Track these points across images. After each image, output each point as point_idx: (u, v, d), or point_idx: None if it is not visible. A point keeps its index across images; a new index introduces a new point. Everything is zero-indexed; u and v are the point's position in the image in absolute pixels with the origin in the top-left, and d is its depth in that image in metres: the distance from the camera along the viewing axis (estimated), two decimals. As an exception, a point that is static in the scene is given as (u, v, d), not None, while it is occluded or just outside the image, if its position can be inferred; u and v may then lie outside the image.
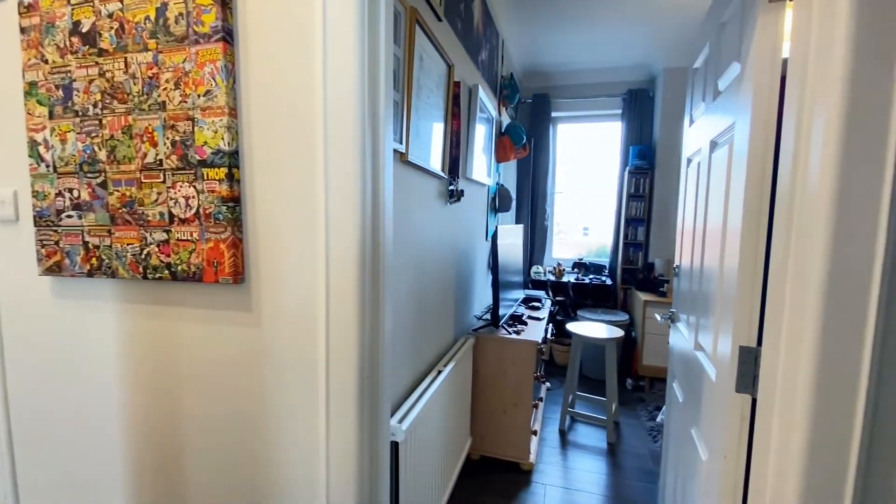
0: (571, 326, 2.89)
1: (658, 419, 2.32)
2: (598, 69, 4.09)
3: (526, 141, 3.34)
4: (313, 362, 0.93)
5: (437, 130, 1.82)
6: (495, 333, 2.35)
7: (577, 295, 4.12)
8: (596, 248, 4.53)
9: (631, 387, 3.54)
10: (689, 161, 1.67)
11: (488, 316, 2.74)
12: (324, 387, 0.92)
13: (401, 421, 1.36)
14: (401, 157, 1.44)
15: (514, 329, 2.43)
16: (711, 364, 1.17)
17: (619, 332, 2.80)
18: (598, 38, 3.40)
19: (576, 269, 4.21)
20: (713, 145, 1.29)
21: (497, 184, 3.35)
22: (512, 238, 2.81)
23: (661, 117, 3.81)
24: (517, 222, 4.34)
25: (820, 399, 0.73)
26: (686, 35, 3.29)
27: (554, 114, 4.31)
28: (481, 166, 2.69)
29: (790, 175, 0.80)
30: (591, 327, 2.89)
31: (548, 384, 3.47)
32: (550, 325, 3.05)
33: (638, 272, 3.89)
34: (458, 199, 2.09)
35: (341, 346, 0.90)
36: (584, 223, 4.54)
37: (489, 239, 3.09)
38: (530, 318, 2.76)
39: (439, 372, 1.81)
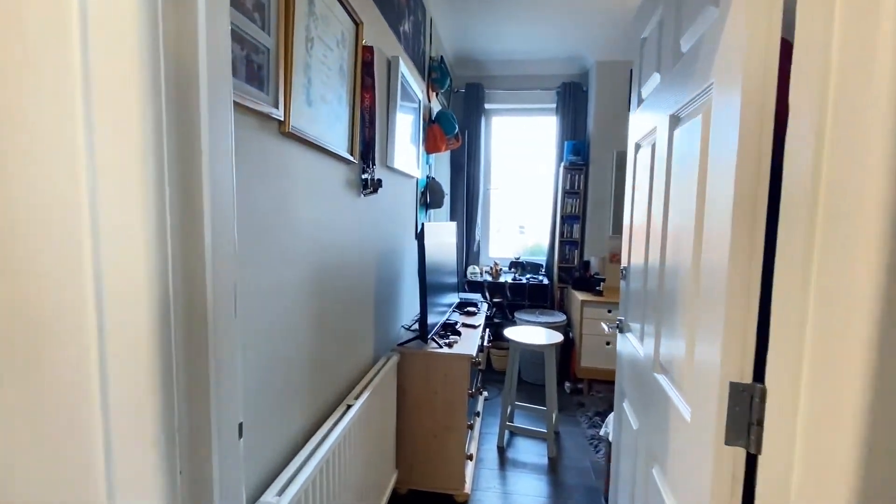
0: (509, 332, 2.65)
1: (602, 432, 2.14)
2: (533, 60, 3.92)
3: (458, 131, 3.06)
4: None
5: (342, 102, 1.45)
6: (424, 348, 2.02)
7: (514, 295, 3.93)
8: (533, 246, 4.39)
9: (569, 390, 3.40)
10: (637, 146, 1.45)
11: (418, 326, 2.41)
12: None
13: (282, 492, 0.98)
14: (279, 128, 1.06)
15: (446, 341, 2.12)
16: (681, 397, 0.93)
17: (558, 337, 2.60)
18: (532, 28, 3.20)
19: (513, 269, 4.03)
20: (675, 120, 1.06)
21: (428, 177, 3.03)
22: (444, 236, 2.51)
23: (594, 111, 3.72)
24: (451, 219, 4.06)
25: (872, 469, 0.48)
26: (617, 28, 3.20)
27: (488, 105, 4.08)
28: (408, 156, 2.35)
29: (813, 153, 0.55)
30: (529, 333, 2.67)
31: (485, 394, 3.23)
32: (487, 330, 2.80)
33: (574, 271, 3.78)
34: (375, 191, 1.73)
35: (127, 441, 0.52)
36: (521, 221, 4.37)
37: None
38: (465, 325, 2.47)
39: (349, 407, 1.44)
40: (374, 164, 1.71)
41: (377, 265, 1.93)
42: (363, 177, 1.66)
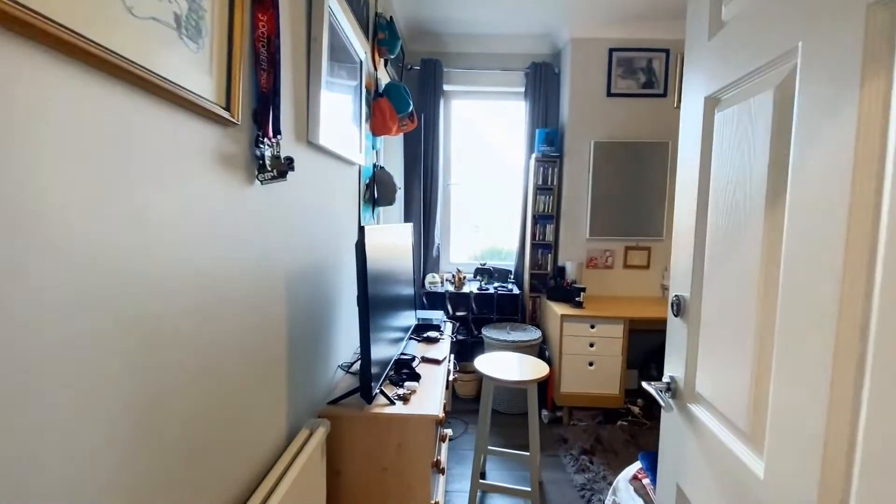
0: (480, 364, 2.08)
1: (609, 502, 1.63)
2: (498, 35, 3.39)
3: (413, 109, 2.45)
4: None
5: (212, 21, 0.80)
6: (368, 409, 1.40)
7: (480, 308, 3.38)
8: (501, 250, 3.86)
9: (547, 419, 2.90)
10: (715, 102, 0.92)
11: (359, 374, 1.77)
12: None
13: None
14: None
15: (400, 392, 1.51)
16: None
17: (542, 369, 2.07)
18: (501, -15, 2.66)
19: (478, 277, 3.47)
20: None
21: (375, 166, 2.40)
22: (397, 241, 1.90)
23: (569, 96, 3.25)
24: (406, 220, 3.44)
25: None
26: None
27: (447, 86, 3.50)
28: (346, 134, 1.71)
29: None
30: (503, 362, 2.12)
31: (450, 432, 2.64)
32: (452, 357, 2.22)
33: (548, 278, 3.29)
34: (282, 175, 1.08)
35: None
36: (485, 221, 3.83)
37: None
38: (425, 361, 1.87)
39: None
40: (278, 133, 1.07)
41: (293, 292, 1.29)
42: (257, 151, 1.01)
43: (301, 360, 1.35)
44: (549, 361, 3.02)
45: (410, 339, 2.19)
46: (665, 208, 3.24)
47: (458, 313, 3.33)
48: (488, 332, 3.09)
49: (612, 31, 3.16)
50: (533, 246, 3.34)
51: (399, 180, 3.29)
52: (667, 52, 3.17)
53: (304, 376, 1.39)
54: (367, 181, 2.23)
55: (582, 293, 2.94)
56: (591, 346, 2.81)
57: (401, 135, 3.23)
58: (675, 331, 1.01)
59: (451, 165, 3.67)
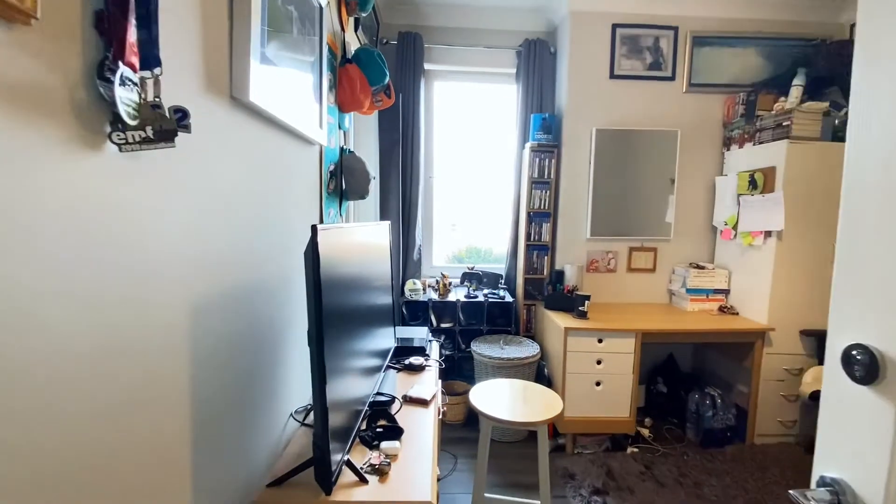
0: (475, 397, 1.66)
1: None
2: (487, 8, 2.97)
3: (390, 81, 2.00)
4: None
5: None
6: (327, 499, 0.96)
7: (468, 318, 2.96)
8: (491, 252, 3.45)
9: (549, 448, 2.50)
10: None
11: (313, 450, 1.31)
12: None
13: None
14: None
15: (374, 462, 1.07)
16: None
17: (555, 405, 1.67)
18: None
19: (466, 282, 3.05)
20: None
21: (344, 150, 1.94)
22: (368, 241, 1.45)
23: (567, 79, 2.86)
24: (383, 217, 2.98)
25: None
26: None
27: (428, 65, 3.06)
28: (299, 103, 1.26)
29: None
30: (505, 395, 1.71)
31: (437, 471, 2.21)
32: (440, 388, 1.79)
33: (546, 284, 2.90)
34: (167, 139, 0.62)
35: None
36: (473, 218, 3.42)
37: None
38: (409, 401, 1.44)
39: None
40: (155, 63, 0.61)
41: (206, 327, 0.83)
42: (102, 89, 0.55)
43: (222, 425, 0.89)
44: (549, 381, 2.63)
45: (389, 367, 1.74)
46: (674, 204, 2.90)
47: (443, 325, 2.90)
48: (479, 348, 2.67)
49: (615, 5, 2.79)
50: (527, 247, 2.94)
51: (374, 170, 2.82)
52: (675, 29, 2.83)
53: (230, 446, 0.93)
54: (332, 167, 1.77)
55: (586, 301, 2.56)
56: (599, 363, 2.44)
57: (375, 115, 2.78)
58: (852, 405, 0.61)
59: (433, 155, 3.23)
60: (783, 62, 2.77)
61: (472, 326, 2.92)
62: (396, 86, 2.93)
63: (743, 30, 2.81)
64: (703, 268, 2.83)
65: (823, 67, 2.46)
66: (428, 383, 1.59)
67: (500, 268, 3.23)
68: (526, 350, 2.65)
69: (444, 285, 2.92)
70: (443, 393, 1.70)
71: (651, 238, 2.96)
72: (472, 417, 2.73)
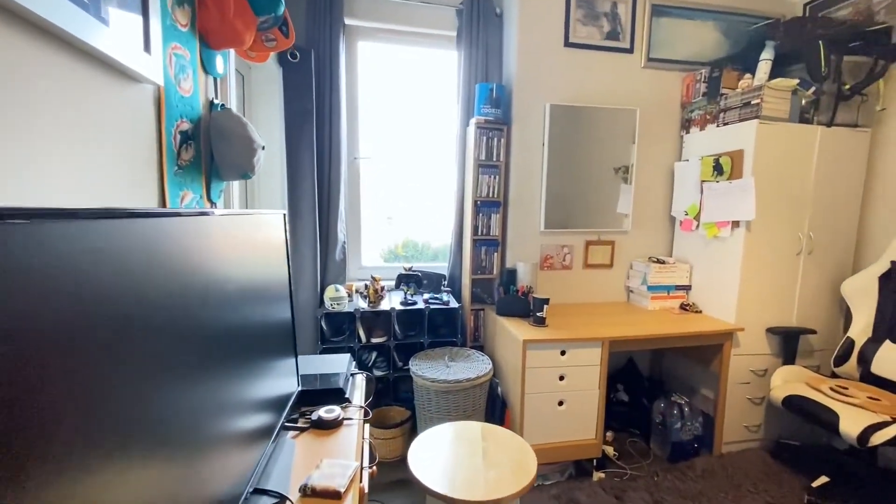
0: (417, 463, 1.17)
1: None
2: (421, -49, 2.45)
3: (287, 14, 1.41)
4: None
5: None
6: None
7: (405, 329, 2.44)
8: (428, 247, 2.96)
9: (504, 484, 2.08)
10: None
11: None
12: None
13: None
14: None
15: None
16: None
17: (529, 469, 1.22)
18: None
19: (403, 286, 2.52)
20: None
21: (215, 105, 1.32)
22: (249, 235, 0.88)
23: (516, 46, 2.43)
24: (294, 206, 2.35)
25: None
26: None
27: (350, 20, 2.47)
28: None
29: None
30: (459, 453, 1.23)
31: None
32: (367, 442, 1.27)
33: (497, 285, 2.47)
34: None
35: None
36: (409, 208, 2.89)
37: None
38: (311, 495, 0.89)
39: None
40: None
41: None
42: None
43: None
44: (503, 403, 2.20)
45: (287, 427, 1.17)
46: (632, 192, 2.61)
47: (375, 339, 2.36)
48: (419, 367, 2.17)
49: (570, -40, 2.40)
50: (474, 242, 2.48)
51: (275, 142, 2.20)
52: (633, -5, 2.51)
53: None
54: (188, 127, 1.15)
55: (545, 306, 2.16)
56: (562, 378, 2.06)
57: (279, 74, 2.15)
58: None
59: (358, 132, 2.65)
60: (740, 40, 2.56)
61: (410, 339, 2.40)
62: (308, 40, 2.31)
63: (703, 0, 2.56)
64: (663, 262, 2.56)
65: (783, 44, 2.26)
66: (345, 453, 1.06)
67: (443, 267, 2.75)
68: (476, 367, 2.20)
69: (376, 291, 2.37)
70: (372, 464, 1.18)
71: (608, 230, 2.65)
72: (413, 452, 2.23)
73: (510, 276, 2.43)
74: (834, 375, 2.21)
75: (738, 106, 2.23)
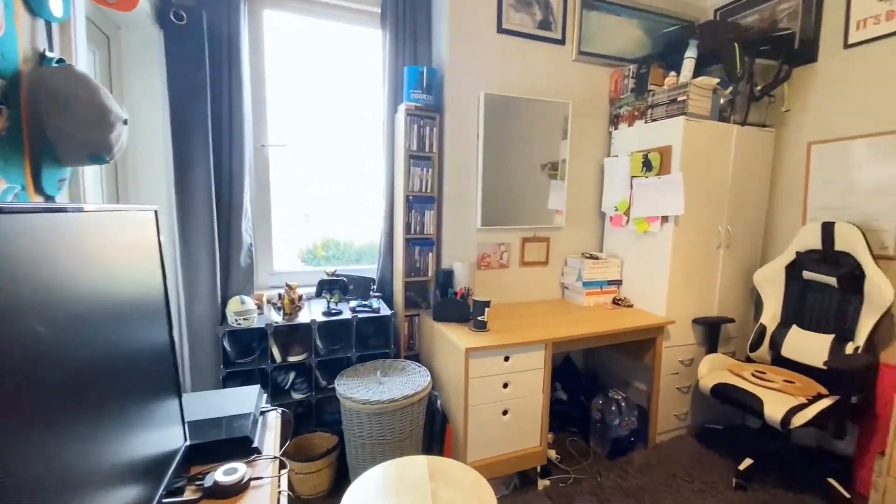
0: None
1: None
2: None
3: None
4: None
5: None
6: None
7: (330, 343, 2.13)
8: (351, 247, 2.65)
9: None
10: None
11: None
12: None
13: None
14: None
15: None
16: None
17: None
18: None
19: (325, 294, 2.20)
20: None
21: (46, 58, 0.93)
22: (128, 238, 0.56)
23: (448, 27, 2.23)
24: (181, 203, 1.92)
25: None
26: None
27: (253, -19, 2.08)
28: None
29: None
30: (393, 487, 1.00)
31: None
32: (283, 472, 0.99)
33: (433, 288, 2.25)
34: None
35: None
36: (330, 204, 2.56)
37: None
38: None
39: None
40: None
41: None
42: None
43: None
44: (444, 418, 2.00)
45: (166, 501, 0.85)
46: (565, 188, 2.56)
47: (293, 358, 2.02)
48: (347, 387, 1.89)
49: (501, -60, 2.26)
50: (407, 242, 2.25)
51: (157, 126, 1.77)
52: (563, -16, 2.45)
53: None
54: (2, 87, 0.77)
55: (486, 309, 2.00)
56: (506, 386, 1.91)
57: (159, 40, 1.73)
58: None
59: (266, 115, 2.26)
60: (660, 42, 2.63)
61: (335, 355, 2.10)
62: (195, 5, 1.89)
63: (628, -3, 2.59)
64: (596, 258, 2.55)
65: (703, 45, 2.34)
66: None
67: (371, 269, 2.48)
68: (413, 381, 1.97)
69: (292, 301, 2.03)
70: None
71: (544, 227, 2.58)
72: (339, 484, 1.94)
73: (447, 277, 2.23)
74: (749, 360, 2.35)
75: (665, 102, 2.26)
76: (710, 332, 2.36)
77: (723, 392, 2.08)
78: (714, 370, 2.22)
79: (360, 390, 1.87)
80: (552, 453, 2.21)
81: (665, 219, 2.27)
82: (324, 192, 2.48)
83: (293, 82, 2.32)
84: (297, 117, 2.35)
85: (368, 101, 2.45)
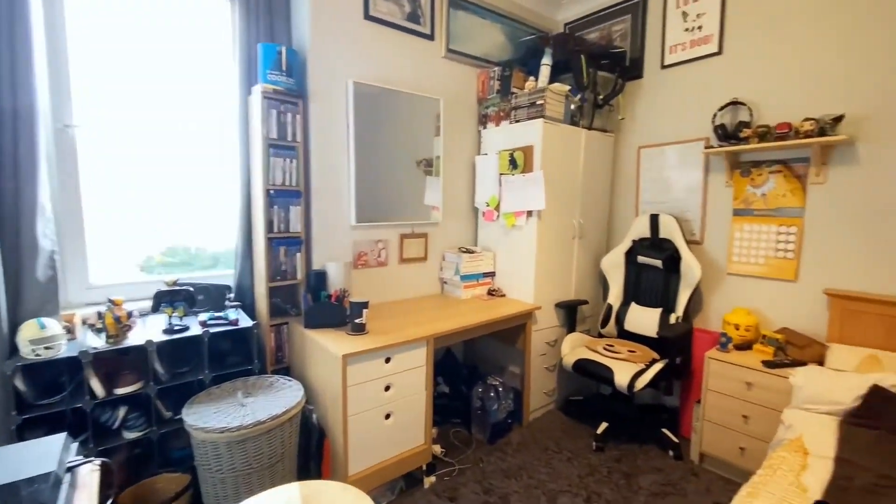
0: None
1: None
2: None
3: None
4: None
5: None
6: None
7: (173, 365, 1.78)
8: (203, 252, 2.27)
9: (329, 530, 1.73)
10: None
11: None
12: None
13: None
14: None
15: None
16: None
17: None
18: None
19: (164, 307, 1.82)
20: None
21: None
22: None
23: (310, 7, 2.04)
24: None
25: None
26: None
27: None
28: None
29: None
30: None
31: None
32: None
33: (304, 293, 2.05)
34: None
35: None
36: (160, 201, 2.14)
37: None
38: None
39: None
40: None
41: None
42: None
43: None
44: (320, 434, 1.83)
45: None
46: (441, 184, 2.58)
47: (122, 390, 1.63)
48: (198, 415, 1.59)
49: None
50: (269, 241, 2.00)
51: None
52: (430, -20, 2.44)
53: None
54: None
55: (364, 311, 1.88)
56: (388, 389, 1.83)
57: None
58: None
59: (70, 87, 1.77)
60: (520, 47, 2.82)
61: (183, 380, 1.76)
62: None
63: (492, 2, 2.70)
64: (472, 252, 2.63)
65: (555, 55, 2.57)
66: None
67: (227, 276, 2.15)
68: (283, 398, 1.76)
69: (118, 319, 1.63)
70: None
71: (422, 223, 2.56)
72: (199, 532, 1.64)
73: (319, 279, 2.05)
74: (601, 335, 2.68)
75: (526, 105, 2.42)
76: (570, 314, 2.62)
77: (582, 367, 2.32)
78: (574, 348, 2.47)
79: (216, 417, 1.59)
80: (437, 448, 2.21)
81: (530, 213, 2.44)
82: (165, 187, 2.06)
83: (112, 50, 1.87)
84: (120, 93, 1.90)
85: (217, 79, 2.11)
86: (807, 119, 1.94)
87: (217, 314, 1.93)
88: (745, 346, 2.12)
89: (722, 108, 2.27)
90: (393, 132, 2.35)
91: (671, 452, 2.21)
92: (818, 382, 1.66)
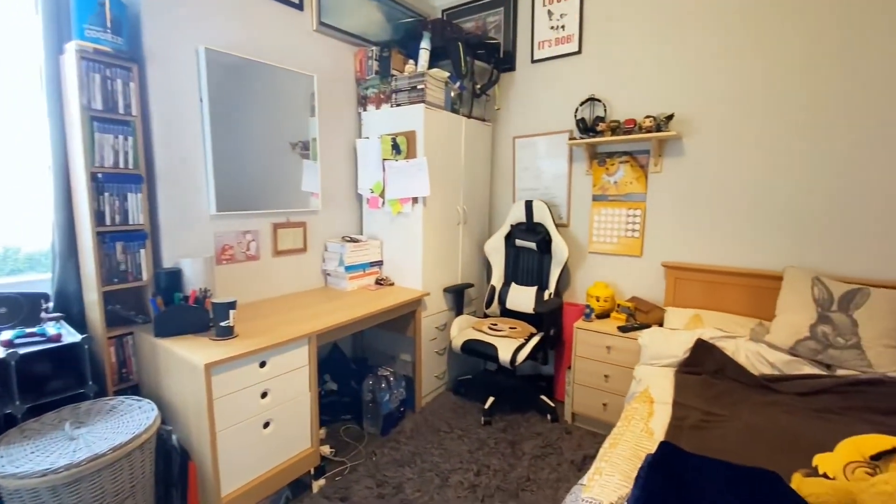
0: None
1: None
2: None
3: None
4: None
5: None
6: None
7: (-39, 404, 1.35)
8: (21, 256, 1.77)
9: (200, 563, 1.52)
10: None
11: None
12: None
13: None
14: None
15: None
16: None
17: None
18: None
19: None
20: None
21: None
22: None
23: (139, -55, 1.68)
24: None
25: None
26: None
27: None
28: None
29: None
30: None
31: None
32: None
33: (152, 297, 1.72)
34: None
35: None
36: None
37: None
38: None
39: None
40: None
41: None
42: None
43: None
44: (183, 455, 1.58)
45: None
46: (318, 169, 2.40)
47: None
48: (4, 458, 1.24)
49: None
50: (100, 237, 1.64)
51: None
52: (296, -57, 2.22)
53: None
54: None
55: (231, 311, 1.66)
56: (265, 395, 1.66)
57: None
58: None
59: None
60: (399, 28, 2.74)
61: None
62: None
63: (366, -24, 2.56)
64: (357, 241, 2.52)
65: (433, 40, 2.56)
66: None
67: (42, 281, 1.72)
68: (129, 422, 1.47)
69: None
70: None
71: (299, 211, 2.36)
72: None
73: (172, 279, 1.75)
74: (486, 316, 2.81)
75: (407, 89, 2.37)
76: (457, 298, 2.69)
77: (470, 347, 2.40)
78: (462, 329, 2.55)
79: (33, 459, 1.26)
80: (326, 449, 2.09)
81: (415, 200, 2.41)
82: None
83: None
84: None
85: (14, 35, 1.63)
86: (647, 116, 2.25)
87: (29, 330, 1.52)
88: (604, 315, 2.42)
89: (582, 104, 2.51)
90: (261, 110, 2.10)
91: (549, 416, 2.43)
92: (659, 341, 1.96)
